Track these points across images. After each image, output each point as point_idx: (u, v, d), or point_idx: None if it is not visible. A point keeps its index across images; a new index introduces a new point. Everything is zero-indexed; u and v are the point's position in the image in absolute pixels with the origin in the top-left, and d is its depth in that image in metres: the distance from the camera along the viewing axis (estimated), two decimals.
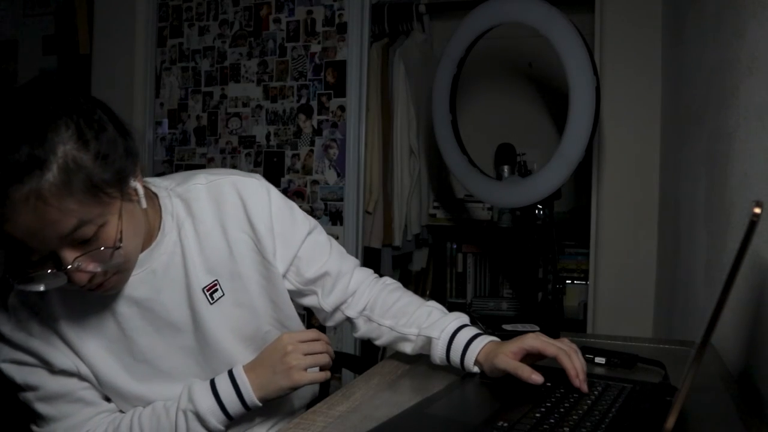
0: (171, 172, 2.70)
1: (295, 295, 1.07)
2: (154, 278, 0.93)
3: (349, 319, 1.10)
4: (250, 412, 0.97)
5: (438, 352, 1.02)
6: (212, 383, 0.95)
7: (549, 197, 2.06)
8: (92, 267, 0.79)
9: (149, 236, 0.92)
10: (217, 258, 0.97)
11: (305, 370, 0.94)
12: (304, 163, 2.57)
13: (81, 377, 0.92)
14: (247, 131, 2.66)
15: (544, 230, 2.14)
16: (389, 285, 1.11)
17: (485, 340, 0.99)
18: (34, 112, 0.75)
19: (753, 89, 1.10)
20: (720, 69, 1.35)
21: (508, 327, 1.25)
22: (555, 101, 2.75)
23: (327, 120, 2.54)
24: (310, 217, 1.08)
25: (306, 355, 0.95)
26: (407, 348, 1.06)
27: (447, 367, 1.03)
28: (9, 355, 0.91)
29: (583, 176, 2.43)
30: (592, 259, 2.33)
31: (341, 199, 2.51)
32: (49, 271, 0.77)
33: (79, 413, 0.93)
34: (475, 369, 0.98)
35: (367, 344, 2.32)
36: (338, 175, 2.51)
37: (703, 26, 1.57)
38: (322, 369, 0.98)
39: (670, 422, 0.63)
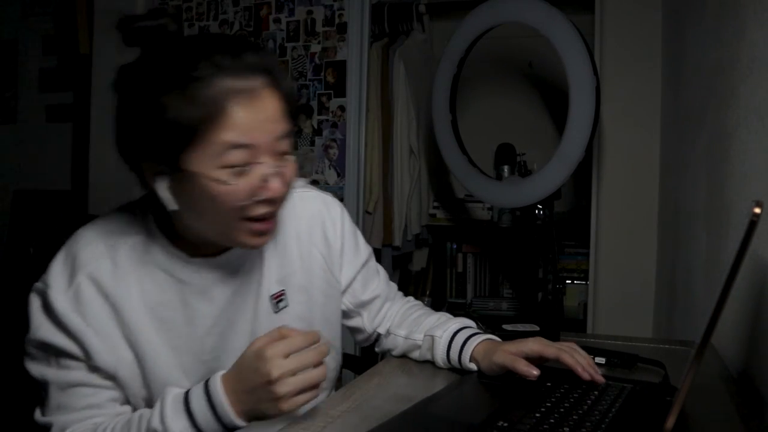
0: None
1: (343, 315, 1.10)
2: (233, 279, 0.93)
3: (378, 336, 1.13)
4: None
5: (440, 352, 1.03)
6: (186, 400, 0.81)
7: (549, 197, 2.06)
8: (282, 181, 0.82)
9: None
10: (289, 268, 0.98)
11: (297, 394, 0.79)
12: (304, 163, 2.56)
13: (112, 379, 0.87)
14: None
15: (544, 230, 2.14)
16: (410, 301, 1.18)
17: (483, 337, 1.01)
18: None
19: (753, 89, 1.10)
20: (720, 69, 1.35)
21: (508, 327, 1.25)
22: (555, 101, 2.75)
23: (327, 120, 2.54)
24: (367, 244, 1.13)
25: (296, 374, 0.79)
26: (416, 354, 1.08)
27: (447, 367, 1.03)
28: (46, 334, 0.84)
29: (583, 176, 2.43)
30: (592, 259, 2.33)
31: (341, 199, 2.50)
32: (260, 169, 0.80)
33: (85, 412, 0.87)
34: (472, 366, 0.99)
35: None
36: (338, 175, 2.51)
37: (703, 26, 1.57)
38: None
39: (670, 422, 0.63)
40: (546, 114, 2.89)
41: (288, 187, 0.84)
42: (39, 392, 0.88)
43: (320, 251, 1.02)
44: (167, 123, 0.77)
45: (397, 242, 2.70)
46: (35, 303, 0.86)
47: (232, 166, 0.79)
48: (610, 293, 2.34)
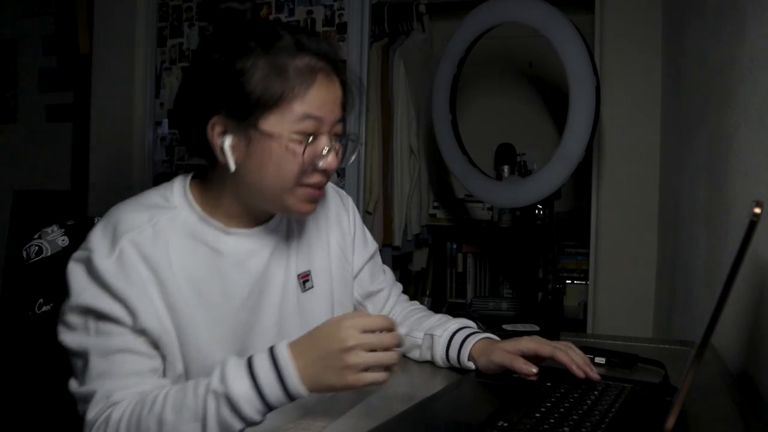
0: (171, 172, 2.70)
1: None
2: (266, 253, 0.97)
3: None
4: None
5: (439, 350, 1.03)
6: (249, 364, 0.80)
7: (549, 197, 2.06)
8: (336, 158, 0.91)
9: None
10: (312, 251, 1.03)
11: (365, 369, 0.79)
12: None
13: (155, 346, 0.87)
14: None
15: (544, 230, 2.14)
16: (414, 304, 1.20)
17: (481, 336, 1.01)
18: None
19: (753, 89, 1.10)
20: (720, 69, 1.35)
21: (508, 327, 1.25)
22: (555, 101, 2.75)
23: None
24: (373, 240, 1.17)
25: (370, 351, 0.79)
26: (416, 353, 1.09)
27: (447, 367, 1.03)
28: (91, 299, 0.85)
29: (583, 176, 2.43)
30: (592, 259, 2.33)
31: None
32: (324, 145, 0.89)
33: (129, 379, 0.85)
34: (470, 364, 0.99)
35: None
36: (338, 175, 2.51)
37: (703, 26, 1.57)
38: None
39: (670, 422, 0.63)
40: (546, 114, 2.89)
41: (338, 164, 0.93)
42: (75, 364, 0.87)
43: (337, 239, 1.07)
44: (257, 85, 0.85)
45: (397, 242, 2.70)
46: (77, 270, 0.87)
47: (302, 134, 0.87)
48: (610, 293, 2.34)
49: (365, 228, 1.15)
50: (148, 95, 2.76)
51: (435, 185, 3.03)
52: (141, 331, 0.85)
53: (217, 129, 0.88)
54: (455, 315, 1.12)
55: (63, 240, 1.06)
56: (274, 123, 0.86)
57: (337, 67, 0.92)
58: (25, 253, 1.03)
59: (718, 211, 1.31)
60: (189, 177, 0.98)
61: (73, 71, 3.02)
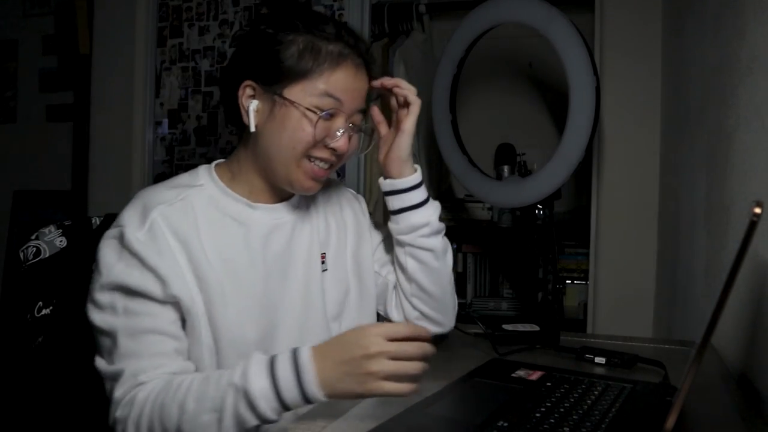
0: (171, 172, 2.70)
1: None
2: (289, 227, 1.04)
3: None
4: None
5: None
6: (271, 362, 0.80)
7: (549, 197, 2.06)
8: (348, 143, 0.99)
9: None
10: (332, 234, 1.10)
11: (386, 378, 0.77)
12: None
13: (186, 312, 0.90)
14: None
15: (544, 230, 2.14)
16: None
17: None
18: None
19: (753, 89, 1.10)
20: (720, 68, 1.35)
21: (508, 327, 1.25)
22: (555, 101, 2.75)
23: None
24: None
25: (393, 359, 0.77)
26: (398, 250, 1.13)
27: (447, 367, 1.03)
28: (121, 273, 0.88)
29: (583, 176, 2.43)
30: (592, 259, 2.33)
31: None
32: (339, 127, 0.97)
33: (156, 359, 0.86)
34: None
35: None
36: (338, 175, 2.51)
37: (703, 26, 1.57)
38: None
39: (670, 422, 0.63)
40: (546, 114, 2.89)
41: (349, 151, 1.00)
42: (102, 343, 0.90)
43: (352, 228, 1.15)
44: (291, 57, 0.94)
45: None
46: (109, 246, 0.91)
47: (321, 109, 0.95)
48: (610, 293, 2.33)
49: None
50: (148, 95, 2.76)
51: (435, 185, 3.03)
52: (171, 301, 0.89)
53: (248, 92, 0.97)
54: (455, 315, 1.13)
55: (61, 241, 1.05)
56: (297, 93, 0.95)
57: (368, 64, 1.01)
58: (22, 255, 1.03)
59: (718, 211, 1.30)
60: (213, 163, 1.05)
61: (73, 71, 3.02)
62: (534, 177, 2.11)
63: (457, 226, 2.86)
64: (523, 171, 2.37)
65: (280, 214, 1.03)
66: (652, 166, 2.28)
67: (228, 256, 0.95)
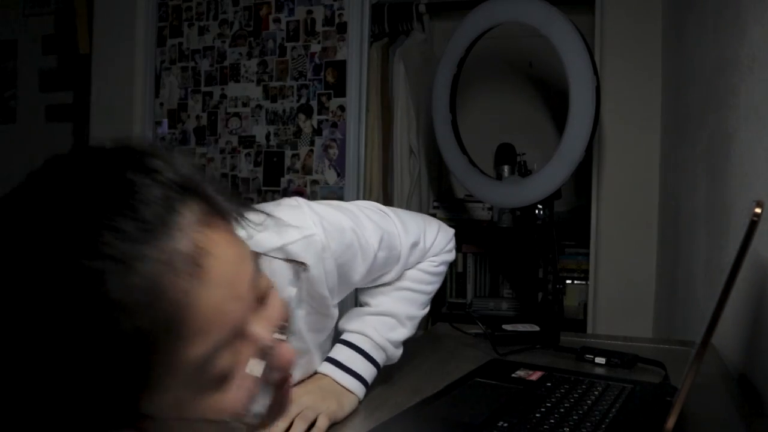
0: None
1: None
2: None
3: None
4: None
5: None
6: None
7: (549, 197, 2.06)
8: (288, 349, 0.52)
9: None
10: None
11: None
12: (304, 163, 2.56)
13: None
14: (246, 131, 2.66)
15: (544, 230, 2.14)
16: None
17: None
18: None
19: (753, 89, 1.10)
20: (720, 69, 1.35)
21: (508, 327, 1.25)
22: (555, 101, 2.75)
23: (327, 120, 2.53)
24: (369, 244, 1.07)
25: None
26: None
27: (447, 367, 1.03)
28: None
29: (583, 176, 2.43)
30: (592, 259, 2.33)
31: (341, 199, 2.50)
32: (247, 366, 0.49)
33: None
34: None
35: None
36: (338, 175, 2.51)
37: (703, 26, 1.57)
38: None
39: (670, 422, 0.63)
40: (546, 114, 2.89)
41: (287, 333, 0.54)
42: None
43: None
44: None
45: None
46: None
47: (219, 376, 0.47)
48: (610, 293, 2.34)
49: (347, 262, 0.86)
50: (148, 95, 2.76)
51: (435, 185, 3.02)
52: None
53: None
54: (455, 315, 1.11)
55: None
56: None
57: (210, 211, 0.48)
58: None
59: (718, 211, 1.30)
60: None
61: (73, 71, 3.02)
62: (534, 177, 2.11)
63: (457, 226, 2.86)
64: (523, 171, 2.37)
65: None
66: (652, 166, 2.28)
67: None
